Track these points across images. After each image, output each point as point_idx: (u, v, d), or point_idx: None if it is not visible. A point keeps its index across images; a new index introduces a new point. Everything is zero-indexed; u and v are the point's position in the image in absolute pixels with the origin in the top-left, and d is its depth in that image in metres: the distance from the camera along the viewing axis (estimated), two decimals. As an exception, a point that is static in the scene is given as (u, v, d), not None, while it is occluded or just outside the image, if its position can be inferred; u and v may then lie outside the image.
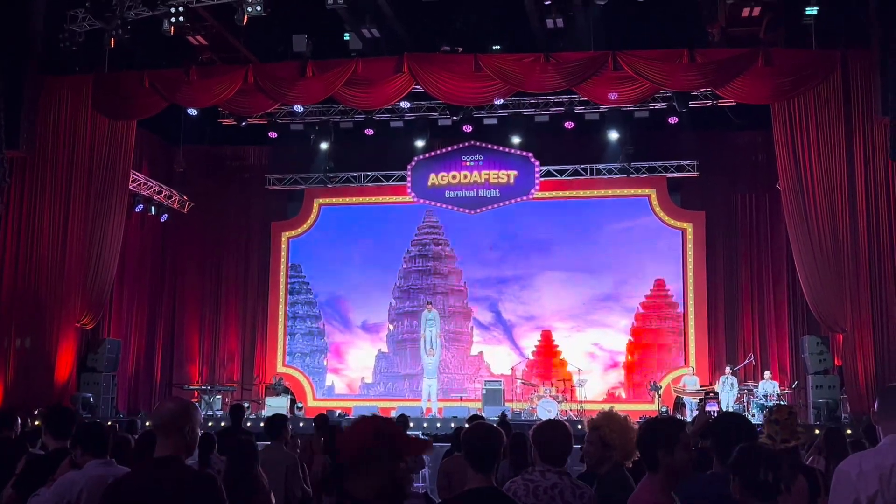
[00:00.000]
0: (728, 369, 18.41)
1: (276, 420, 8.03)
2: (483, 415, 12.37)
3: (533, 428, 4.32)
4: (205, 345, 22.13)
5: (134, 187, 19.42)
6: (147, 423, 13.78)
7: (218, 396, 19.76)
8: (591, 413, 15.58)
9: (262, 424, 15.49)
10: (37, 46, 16.90)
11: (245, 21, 15.99)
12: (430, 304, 20.29)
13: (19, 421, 7.92)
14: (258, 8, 15.63)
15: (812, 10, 15.75)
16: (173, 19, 15.98)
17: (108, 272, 18.10)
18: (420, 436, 14.36)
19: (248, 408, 17.60)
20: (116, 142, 18.03)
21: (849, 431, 12.40)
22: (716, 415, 9.02)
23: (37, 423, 12.60)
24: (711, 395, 17.35)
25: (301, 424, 16.33)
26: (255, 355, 21.92)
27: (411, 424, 12.37)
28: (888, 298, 15.69)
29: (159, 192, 20.74)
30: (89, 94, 17.54)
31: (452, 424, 15.98)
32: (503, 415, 15.35)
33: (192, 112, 18.92)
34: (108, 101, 17.69)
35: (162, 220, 21.12)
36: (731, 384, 18.03)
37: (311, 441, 8.48)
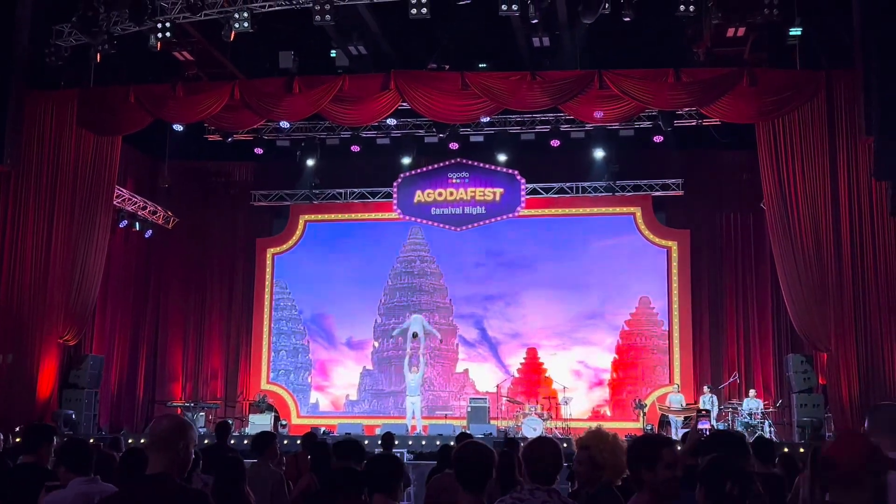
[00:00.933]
0: (706, 388, 18.47)
1: (264, 437, 7.98)
2: (470, 432, 12.31)
3: (523, 446, 4.30)
4: (188, 361, 22.00)
5: (118, 203, 19.34)
6: (130, 441, 13.67)
7: (201, 413, 19.62)
8: (576, 431, 15.59)
9: (245, 442, 15.45)
10: (22, 61, 16.85)
11: (232, 37, 16.02)
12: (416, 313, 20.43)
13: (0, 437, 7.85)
14: (245, 24, 15.66)
15: (796, 31, 15.90)
16: (160, 35, 15.97)
17: (91, 288, 17.98)
18: (405, 454, 14.30)
19: (231, 425, 17.46)
20: (101, 157, 17.95)
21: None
22: (707, 433, 9.01)
23: (17, 439, 12.50)
24: (704, 412, 17.32)
25: (286, 442, 16.22)
26: (238, 372, 21.80)
27: (396, 442, 12.30)
28: (872, 317, 15.74)
29: (144, 208, 20.65)
30: (74, 109, 17.48)
31: (438, 442, 15.92)
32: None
33: (178, 127, 18.88)
34: (93, 116, 17.62)
35: (146, 236, 21.03)
36: (713, 402, 18.06)
37: (297, 458, 8.42)
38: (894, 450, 3.77)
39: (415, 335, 19.91)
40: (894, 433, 3.83)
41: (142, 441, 10.56)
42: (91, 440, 9.27)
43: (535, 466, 3.75)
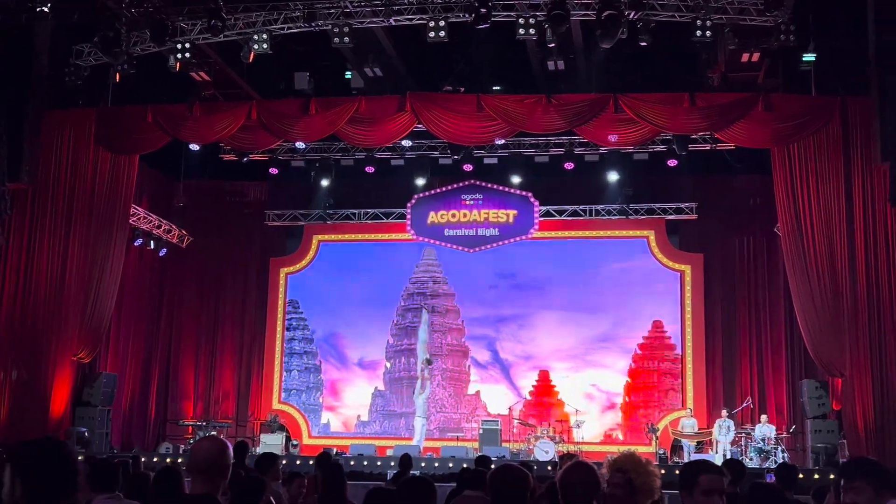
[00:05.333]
0: (724, 412, 18.36)
1: (267, 458, 8.13)
2: (485, 454, 12.29)
3: (561, 469, 4.30)
4: (200, 380, 22.01)
5: (133, 221, 19.42)
6: (143, 459, 13.67)
7: (213, 433, 19.60)
8: (588, 455, 15.52)
9: (245, 462, 15.42)
10: (41, 80, 16.98)
11: (251, 58, 16.15)
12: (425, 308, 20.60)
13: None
14: (265, 45, 15.81)
15: (810, 57, 15.93)
16: (179, 55, 16.10)
17: (106, 306, 18.06)
18: (418, 475, 14.28)
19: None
20: (118, 175, 18.07)
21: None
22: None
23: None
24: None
25: (298, 462, 16.22)
26: (250, 391, 21.81)
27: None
28: (887, 343, 15.68)
29: (158, 227, 20.74)
30: (92, 128, 17.64)
31: (451, 465, 15.90)
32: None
33: (194, 147, 18.99)
34: (110, 135, 17.77)
35: (161, 255, 21.09)
36: (728, 427, 17.97)
37: (316, 480, 8.43)
38: None
39: (428, 361, 20.12)
40: None
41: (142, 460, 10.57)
42: (116, 460, 9.26)
43: (570, 491, 3.75)
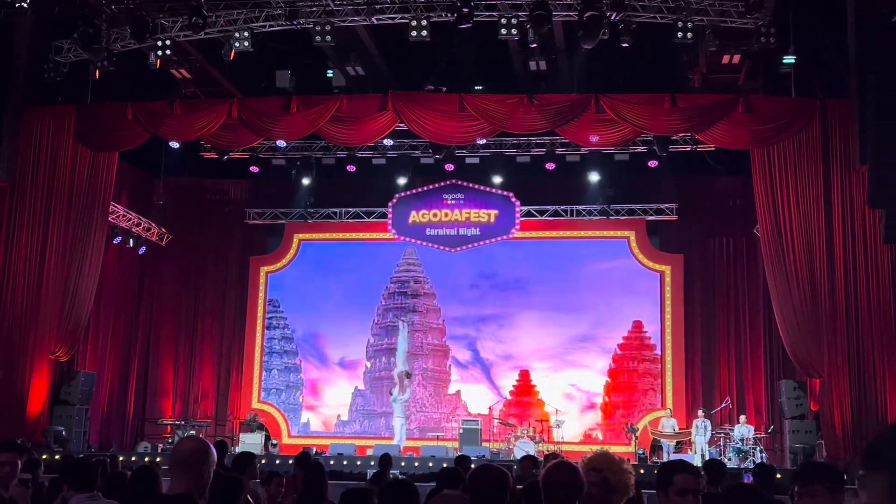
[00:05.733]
0: (701, 412, 18.45)
1: (244, 457, 8.09)
2: (465, 454, 12.29)
3: (544, 469, 4.30)
4: (179, 379, 21.90)
5: (112, 219, 19.28)
6: (121, 458, 13.58)
7: (192, 432, 19.45)
8: (568, 455, 15.55)
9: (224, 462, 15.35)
10: (20, 76, 16.87)
11: (232, 56, 16.08)
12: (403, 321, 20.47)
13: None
14: (246, 43, 15.74)
15: (790, 59, 16.05)
16: (159, 52, 16.00)
17: (84, 304, 17.94)
18: (398, 475, 14.26)
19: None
20: (97, 173, 17.96)
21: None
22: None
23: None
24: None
25: (277, 462, 16.18)
26: (229, 390, 21.71)
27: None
28: (865, 344, 15.81)
29: (138, 224, 20.62)
30: (71, 125, 17.53)
31: (430, 464, 15.89)
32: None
33: (174, 145, 18.89)
34: (90, 132, 17.65)
35: (140, 253, 20.96)
36: (706, 427, 18.05)
37: (295, 479, 8.39)
38: None
39: (407, 374, 20.10)
40: None
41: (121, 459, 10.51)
42: (94, 459, 9.20)
43: (553, 492, 3.75)
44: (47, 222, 17.46)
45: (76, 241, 17.68)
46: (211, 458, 3.69)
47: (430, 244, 21.33)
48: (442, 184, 21.26)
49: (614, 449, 18.68)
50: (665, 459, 16.61)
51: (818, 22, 15.71)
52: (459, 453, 14.41)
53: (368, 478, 11.94)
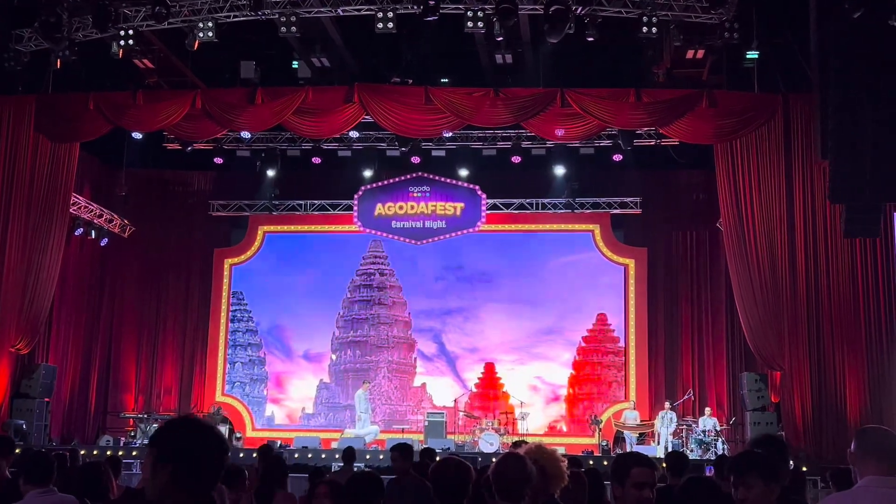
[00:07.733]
0: (667, 404, 18.59)
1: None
2: (431, 447, 12.28)
3: (494, 461, 4.33)
4: (142, 372, 21.70)
5: (74, 210, 19.06)
6: (83, 452, 13.45)
7: (154, 425, 19.32)
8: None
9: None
10: (-22, 65, 16.59)
11: (196, 46, 15.92)
12: (367, 383, 20.11)
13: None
14: (210, 34, 15.58)
15: (753, 55, 16.18)
16: (122, 42, 15.80)
17: (45, 296, 17.72)
18: (363, 468, 14.24)
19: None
20: (58, 164, 17.74)
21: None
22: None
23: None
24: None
25: (241, 455, 16.11)
26: (193, 383, 21.55)
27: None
28: (825, 337, 16.04)
29: (100, 216, 20.38)
30: (32, 115, 17.27)
31: (395, 456, 15.84)
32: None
33: (137, 135, 18.69)
34: (51, 122, 17.42)
35: (102, 244, 20.71)
36: (671, 419, 18.21)
37: (259, 471, 8.37)
38: (879, 472, 3.85)
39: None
40: (880, 456, 3.90)
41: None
42: (53, 453, 9.10)
43: (502, 483, 3.78)
44: (7, 213, 17.20)
45: (37, 233, 17.45)
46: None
47: (395, 237, 21.29)
48: (408, 176, 21.24)
49: (578, 441, 19.02)
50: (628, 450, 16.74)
51: (781, 17, 15.86)
52: (425, 446, 14.41)
53: (333, 471, 11.90)
